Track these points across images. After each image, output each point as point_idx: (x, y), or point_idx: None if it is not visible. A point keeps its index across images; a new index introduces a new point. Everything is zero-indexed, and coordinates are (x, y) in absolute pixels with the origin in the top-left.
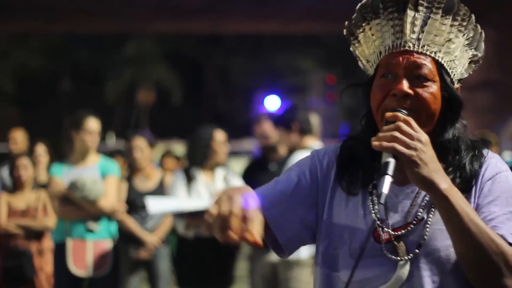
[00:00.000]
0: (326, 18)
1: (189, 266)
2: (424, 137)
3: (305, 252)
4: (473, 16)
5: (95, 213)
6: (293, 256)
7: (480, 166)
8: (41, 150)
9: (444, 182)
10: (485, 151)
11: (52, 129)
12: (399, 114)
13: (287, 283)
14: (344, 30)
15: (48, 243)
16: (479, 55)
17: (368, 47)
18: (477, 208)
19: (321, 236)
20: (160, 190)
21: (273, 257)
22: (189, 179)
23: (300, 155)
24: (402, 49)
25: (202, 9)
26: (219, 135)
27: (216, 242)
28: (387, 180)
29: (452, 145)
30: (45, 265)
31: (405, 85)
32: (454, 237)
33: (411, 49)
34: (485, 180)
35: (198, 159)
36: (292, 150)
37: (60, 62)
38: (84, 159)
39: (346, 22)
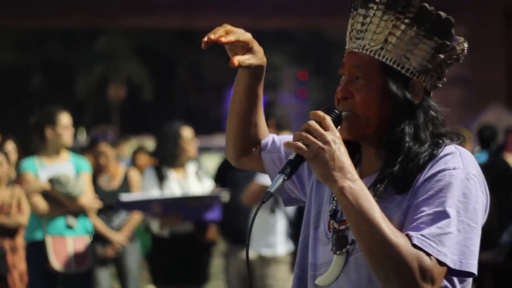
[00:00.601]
0: (298, 14)
1: (163, 264)
2: (331, 136)
3: (282, 248)
4: (427, 6)
5: (76, 210)
6: (269, 253)
7: (425, 165)
8: (11, 147)
9: (345, 180)
10: (441, 148)
11: (23, 125)
12: (317, 112)
13: (264, 280)
14: None
15: (21, 240)
16: (448, 42)
17: None
18: (410, 207)
19: (308, 211)
20: (125, 187)
21: (249, 254)
22: (161, 177)
23: None
24: (350, 50)
25: (173, 4)
26: (186, 132)
27: (191, 239)
28: (279, 180)
29: (397, 143)
30: (19, 263)
31: (343, 88)
32: (354, 235)
33: (354, 50)
34: (425, 179)
35: (168, 157)
36: None
37: (31, 57)
38: (57, 155)
39: None
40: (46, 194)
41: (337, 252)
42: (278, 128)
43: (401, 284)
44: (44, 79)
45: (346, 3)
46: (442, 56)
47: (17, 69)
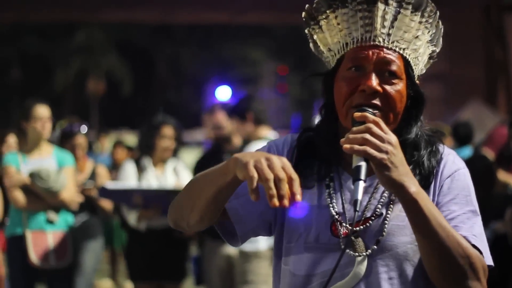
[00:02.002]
0: (276, 8)
1: (141, 259)
2: (394, 139)
3: (264, 243)
4: (438, 13)
5: (56, 204)
6: (251, 248)
7: (438, 163)
8: (12, 141)
9: (414, 185)
10: (441, 147)
11: (1, 118)
12: (368, 114)
13: (245, 275)
14: (303, 13)
15: None
16: (437, 50)
17: (331, 35)
18: (437, 206)
19: (281, 230)
20: (93, 180)
21: (229, 249)
22: (140, 169)
23: (255, 146)
24: (371, 43)
25: None
26: (167, 130)
27: (169, 234)
28: (361, 186)
29: (414, 142)
30: None
31: (374, 81)
32: (421, 240)
33: (381, 44)
34: (444, 177)
35: (148, 150)
36: (247, 141)
37: (9, 51)
38: (38, 148)
39: (307, 5)
40: (27, 189)
41: (362, 254)
42: (256, 122)
43: (466, 284)
44: (22, 73)
45: None
46: (431, 61)
47: None
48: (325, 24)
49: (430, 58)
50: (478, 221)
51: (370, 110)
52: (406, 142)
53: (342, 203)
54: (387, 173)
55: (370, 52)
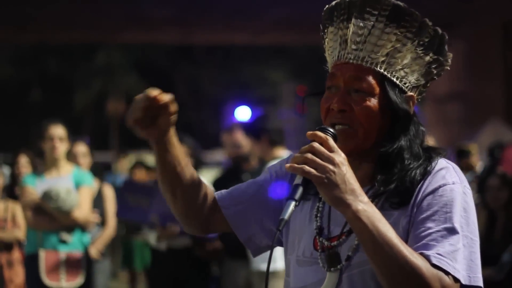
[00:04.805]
0: (295, 29)
1: (162, 280)
2: (339, 158)
3: (281, 263)
4: (427, 20)
5: (68, 224)
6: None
7: (423, 179)
8: (24, 161)
9: (358, 203)
10: (434, 162)
11: (20, 139)
12: (318, 133)
13: None
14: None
15: (17, 255)
16: (441, 58)
17: (327, 54)
18: (414, 223)
19: (286, 241)
20: (99, 202)
21: (248, 268)
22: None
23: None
24: (344, 61)
25: (171, 19)
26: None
27: (190, 254)
28: (291, 206)
29: (396, 157)
30: (15, 277)
31: (341, 100)
32: (368, 257)
33: (352, 61)
34: (425, 194)
35: None
36: (262, 160)
37: (29, 71)
38: (56, 168)
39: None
40: (41, 208)
41: (331, 269)
42: (271, 144)
43: None
44: (43, 94)
45: None
46: (435, 71)
47: (15, 83)
48: (326, 44)
49: (432, 67)
50: (453, 239)
51: (329, 129)
52: (386, 157)
53: (328, 217)
54: (326, 191)
55: (342, 70)
